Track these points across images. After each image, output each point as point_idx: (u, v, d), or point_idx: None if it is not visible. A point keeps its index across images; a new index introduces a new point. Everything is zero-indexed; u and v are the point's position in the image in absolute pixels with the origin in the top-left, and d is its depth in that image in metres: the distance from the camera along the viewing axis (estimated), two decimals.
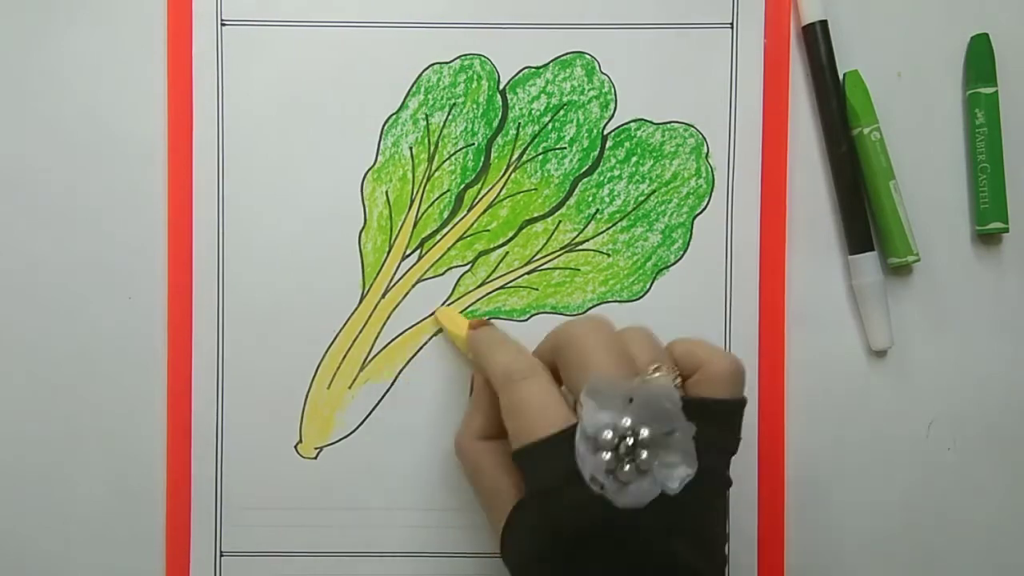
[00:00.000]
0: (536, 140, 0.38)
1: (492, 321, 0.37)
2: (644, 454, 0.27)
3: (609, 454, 0.27)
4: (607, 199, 0.38)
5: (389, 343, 0.38)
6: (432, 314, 0.38)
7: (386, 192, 0.38)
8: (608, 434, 0.27)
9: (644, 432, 0.27)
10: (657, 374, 0.30)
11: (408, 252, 0.38)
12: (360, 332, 0.38)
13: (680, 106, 0.38)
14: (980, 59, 0.38)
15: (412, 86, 0.38)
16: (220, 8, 0.38)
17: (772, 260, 0.38)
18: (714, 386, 0.31)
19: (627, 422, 0.27)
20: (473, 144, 0.38)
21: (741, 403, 0.31)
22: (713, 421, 0.30)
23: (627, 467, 0.27)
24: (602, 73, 0.38)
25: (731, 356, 0.32)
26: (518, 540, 0.30)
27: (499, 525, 0.31)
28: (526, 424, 0.29)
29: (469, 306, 0.38)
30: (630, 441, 0.27)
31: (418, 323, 0.38)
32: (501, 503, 0.31)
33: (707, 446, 0.28)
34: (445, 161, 0.38)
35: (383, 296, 0.38)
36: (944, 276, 0.38)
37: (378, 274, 0.38)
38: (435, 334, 0.38)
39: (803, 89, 0.38)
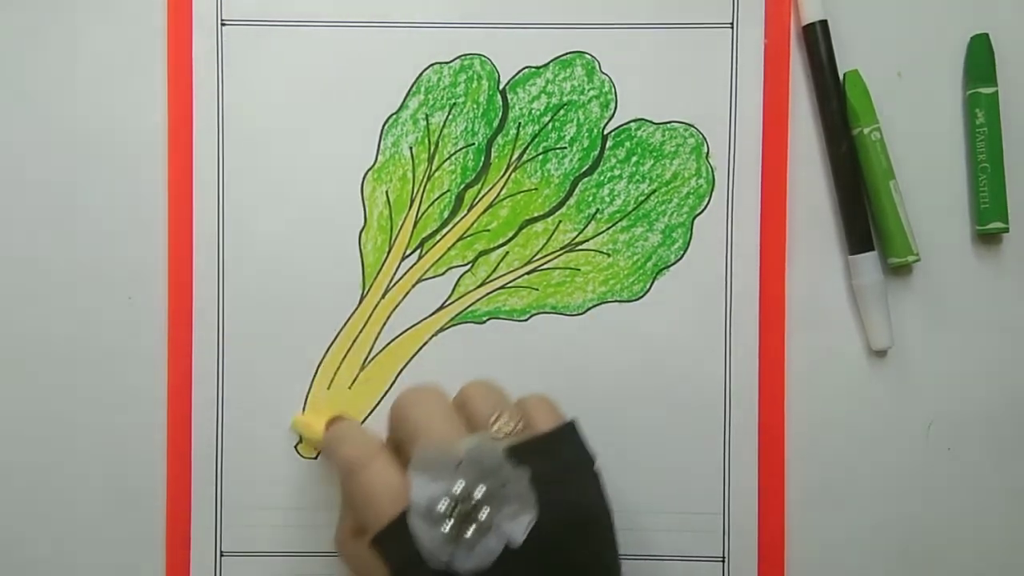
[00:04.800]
0: (536, 140, 0.38)
1: (344, 416, 0.36)
2: (484, 513, 0.27)
3: (449, 523, 0.27)
4: (607, 199, 0.38)
5: (389, 343, 0.38)
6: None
7: (386, 192, 0.38)
8: (443, 505, 0.27)
9: (479, 492, 0.27)
10: (496, 425, 0.30)
11: (408, 252, 0.38)
12: (360, 332, 0.38)
13: (680, 106, 0.38)
14: (980, 59, 0.38)
15: (412, 86, 0.38)
16: (220, 8, 0.38)
17: (772, 260, 0.38)
18: (538, 424, 0.31)
19: (460, 486, 0.27)
20: (473, 144, 0.38)
21: (567, 428, 0.31)
22: (549, 455, 0.30)
23: (470, 531, 0.27)
24: (602, 73, 0.38)
25: (535, 394, 0.32)
26: None
27: None
28: (372, 512, 0.29)
29: (469, 306, 0.38)
30: (470, 504, 0.27)
31: (418, 323, 0.38)
32: None
33: (561, 479, 0.28)
34: (445, 161, 0.38)
35: (383, 296, 0.38)
36: (944, 276, 0.38)
37: (378, 274, 0.38)
38: (435, 334, 0.38)
39: (803, 89, 0.38)
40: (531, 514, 0.27)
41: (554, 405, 0.32)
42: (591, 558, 0.29)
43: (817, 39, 0.37)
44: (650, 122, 0.38)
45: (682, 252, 0.38)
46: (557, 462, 0.30)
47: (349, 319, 0.38)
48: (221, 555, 0.37)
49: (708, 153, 0.38)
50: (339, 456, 0.32)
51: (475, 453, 0.28)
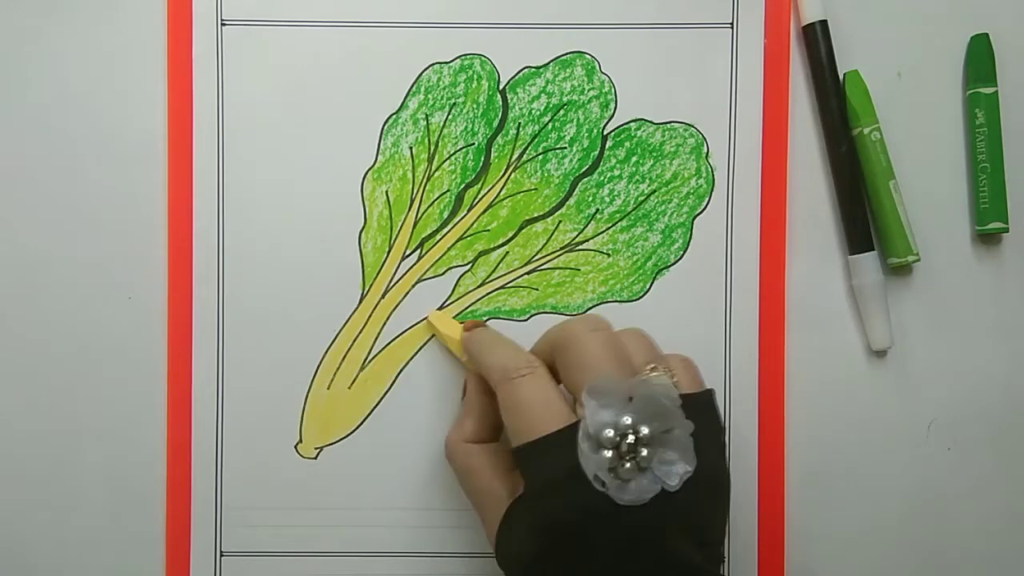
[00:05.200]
0: (536, 140, 0.38)
1: (487, 322, 0.37)
2: (644, 452, 0.27)
3: (610, 452, 0.27)
4: (607, 199, 0.38)
5: (389, 343, 0.38)
6: (424, 319, 0.38)
7: (386, 192, 0.38)
8: (609, 432, 0.27)
9: (644, 430, 0.28)
10: (654, 374, 0.30)
11: (408, 252, 0.38)
12: (360, 332, 0.38)
13: (680, 106, 0.38)
14: (980, 59, 0.38)
15: (412, 86, 0.38)
16: (220, 8, 0.38)
17: (772, 260, 0.38)
18: (682, 384, 0.31)
19: (628, 420, 0.28)
20: (473, 144, 0.38)
21: (712, 393, 0.32)
22: (700, 415, 0.30)
23: (627, 465, 0.27)
24: (602, 73, 0.38)
25: (680, 355, 0.32)
26: (515, 538, 0.30)
27: (493, 526, 0.31)
28: (527, 421, 0.29)
29: (469, 306, 0.38)
30: (631, 439, 0.27)
31: (418, 323, 0.38)
32: (495, 504, 0.31)
33: (703, 442, 0.28)
34: (445, 161, 0.38)
35: (383, 296, 0.38)
36: (944, 276, 0.38)
37: (378, 274, 0.38)
38: (433, 336, 0.38)
39: (803, 89, 0.38)
40: (690, 465, 0.28)
41: (697, 369, 0.32)
42: (715, 520, 0.30)
43: (817, 39, 0.37)
44: (650, 122, 0.38)
45: (682, 252, 0.38)
46: (706, 422, 0.30)
47: (349, 319, 0.38)
48: (221, 555, 0.37)
49: (708, 153, 0.38)
50: (494, 361, 0.32)
51: (653, 393, 0.28)
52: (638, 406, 0.28)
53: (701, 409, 0.30)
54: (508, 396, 0.30)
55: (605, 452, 0.27)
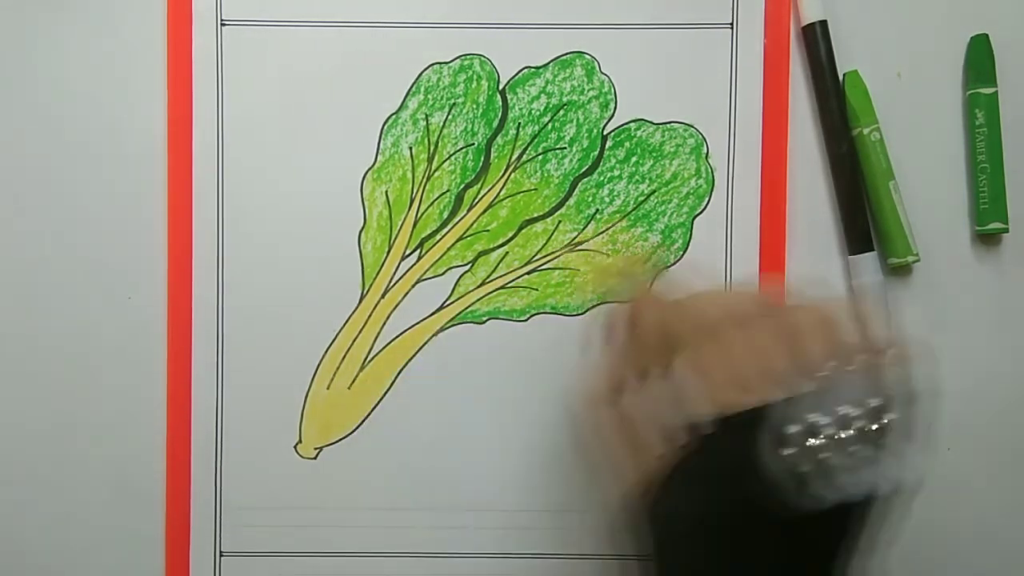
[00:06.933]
0: (536, 140, 0.38)
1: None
2: (861, 448, 0.25)
3: (823, 440, 0.25)
4: (607, 199, 0.38)
5: (389, 343, 0.38)
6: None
7: (386, 192, 0.38)
8: (825, 419, 0.25)
9: (882, 420, 0.25)
10: (885, 360, 0.26)
11: (408, 252, 0.38)
12: (360, 332, 0.38)
13: (680, 106, 0.38)
14: (980, 59, 0.38)
15: (412, 86, 0.38)
16: (220, 8, 0.38)
17: (772, 260, 0.38)
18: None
19: (871, 405, 0.25)
20: (473, 144, 0.38)
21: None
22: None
23: (845, 454, 0.25)
24: (602, 73, 0.38)
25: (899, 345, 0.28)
26: (683, 501, 0.27)
27: (638, 475, 0.28)
28: (730, 385, 0.26)
29: (469, 306, 0.38)
30: (852, 429, 0.25)
31: (418, 323, 0.38)
32: (645, 457, 0.28)
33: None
34: (445, 161, 0.38)
35: (383, 296, 0.38)
36: (944, 276, 0.38)
37: (378, 274, 0.38)
38: (435, 334, 0.38)
39: (803, 89, 0.38)
40: (908, 472, 0.25)
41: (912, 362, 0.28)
42: (877, 532, 0.27)
43: (817, 39, 0.37)
44: (650, 122, 0.38)
45: (682, 252, 0.38)
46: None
47: (349, 319, 0.38)
48: (221, 555, 0.37)
49: (708, 153, 0.38)
50: (712, 307, 0.28)
51: (903, 383, 0.25)
52: (853, 395, 0.25)
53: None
54: (713, 351, 0.27)
55: (816, 439, 0.24)
